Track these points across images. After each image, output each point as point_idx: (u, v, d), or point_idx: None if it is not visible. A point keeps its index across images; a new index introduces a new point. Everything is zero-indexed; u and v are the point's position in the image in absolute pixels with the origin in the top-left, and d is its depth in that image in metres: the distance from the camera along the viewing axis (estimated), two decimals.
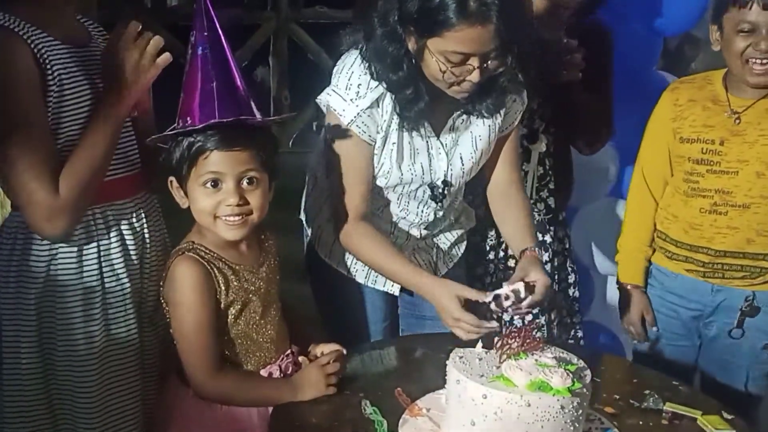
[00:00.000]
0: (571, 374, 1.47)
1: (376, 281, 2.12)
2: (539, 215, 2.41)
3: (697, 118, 2.10)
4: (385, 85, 1.85)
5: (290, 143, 6.89)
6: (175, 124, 1.64)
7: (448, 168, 1.99)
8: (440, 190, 2.01)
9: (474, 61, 1.76)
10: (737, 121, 2.05)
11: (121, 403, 1.75)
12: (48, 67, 1.59)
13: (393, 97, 1.86)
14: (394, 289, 2.12)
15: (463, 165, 2.00)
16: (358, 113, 1.86)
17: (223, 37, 1.64)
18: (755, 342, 2.12)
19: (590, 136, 2.47)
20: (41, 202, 1.59)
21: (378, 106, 1.87)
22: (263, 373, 1.73)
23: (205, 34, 1.62)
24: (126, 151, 1.77)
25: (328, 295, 2.20)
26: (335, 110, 1.88)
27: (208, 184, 1.63)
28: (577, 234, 2.76)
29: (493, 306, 1.82)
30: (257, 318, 1.72)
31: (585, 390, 1.48)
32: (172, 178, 1.68)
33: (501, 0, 1.72)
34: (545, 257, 2.43)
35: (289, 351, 1.80)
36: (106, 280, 1.71)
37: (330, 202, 2.01)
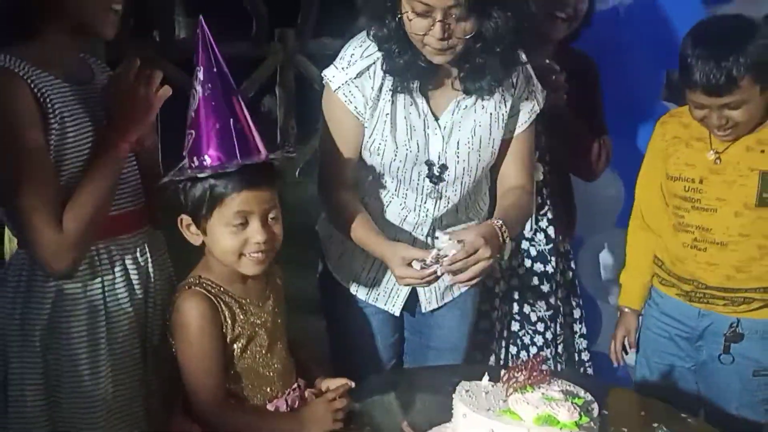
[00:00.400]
0: (578, 408, 1.47)
1: (377, 299, 2.13)
2: (539, 245, 2.42)
3: (681, 156, 2.13)
4: (375, 44, 1.88)
5: (297, 173, 6.91)
6: (186, 163, 1.64)
7: (443, 149, 1.97)
8: (437, 171, 1.98)
9: (437, 14, 1.76)
10: (717, 161, 2.06)
11: None
12: (49, 105, 1.60)
13: (383, 65, 1.89)
14: (395, 309, 2.13)
15: (458, 149, 1.97)
16: (345, 81, 1.90)
17: (228, 73, 1.65)
18: (744, 369, 2.11)
19: (586, 162, 2.47)
20: (47, 240, 1.60)
21: (368, 77, 1.90)
22: (270, 407, 1.73)
23: (214, 70, 1.62)
24: (130, 186, 1.76)
25: (335, 312, 2.21)
26: (326, 78, 1.93)
27: (235, 224, 1.63)
28: (584, 264, 2.76)
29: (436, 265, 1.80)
30: (263, 352, 1.72)
31: (593, 424, 1.48)
32: (184, 216, 1.68)
33: None
34: (547, 288, 2.44)
35: (295, 385, 1.79)
36: (110, 315, 1.71)
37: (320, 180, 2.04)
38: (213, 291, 1.67)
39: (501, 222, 1.87)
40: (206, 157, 1.61)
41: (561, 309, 2.48)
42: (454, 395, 1.56)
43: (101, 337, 1.70)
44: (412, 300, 2.15)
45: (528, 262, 2.43)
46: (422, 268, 1.77)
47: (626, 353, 2.36)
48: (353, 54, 1.91)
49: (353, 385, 1.76)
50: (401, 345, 2.26)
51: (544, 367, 1.58)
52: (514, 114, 2.01)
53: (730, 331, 2.10)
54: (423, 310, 2.16)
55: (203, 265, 1.71)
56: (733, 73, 1.89)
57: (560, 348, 2.46)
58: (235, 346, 1.68)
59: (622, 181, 2.79)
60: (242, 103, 1.67)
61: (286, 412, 1.73)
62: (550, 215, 2.43)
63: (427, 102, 1.95)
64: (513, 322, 2.45)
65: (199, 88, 1.62)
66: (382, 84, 1.90)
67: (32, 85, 1.58)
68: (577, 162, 2.47)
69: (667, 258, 2.20)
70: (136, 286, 1.75)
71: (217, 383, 1.65)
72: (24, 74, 1.58)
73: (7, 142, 1.57)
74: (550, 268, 2.43)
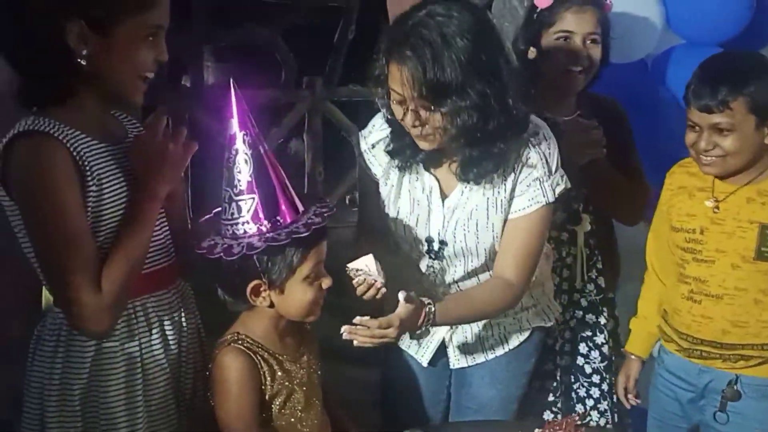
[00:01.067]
0: None
1: (410, 347, 2.13)
2: (590, 296, 2.40)
3: (683, 207, 2.12)
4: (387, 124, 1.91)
5: None
6: (259, 226, 1.61)
7: (443, 227, 1.96)
8: (436, 246, 1.97)
9: (408, 103, 1.76)
10: (716, 210, 2.04)
11: None
12: (87, 167, 1.60)
13: (387, 144, 1.93)
14: (423, 360, 2.12)
15: (455, 230, 1.95)
16: (365, 148, 1.98)
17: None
18: (743, 430, 2.05)
19: (628, 208, 2.46)
20: (85, 302, 1.59)
21: (381, 148, 1.95)
22: None
23: (255, 132, 1.63)
24: (161, 243, 1.76)
25: (385, 361, 2.21)
26: (357, 143, 2.00)
27: (314, 276, 1.67)
28: (621, 313, 2.72)
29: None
30: (300, 408, 1.73)
31: None
32: (257, 282, 1.65)
33: (421, 40, 1.69)
34: (600, 339, 2.41)
35: None
36: (147, 372, 1.72)
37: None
38: (252, 348, 1.68)
39: (434, 310, 1.80)
40: (278, 218, 1.62)
41: (613, 358, 2.44)
42: None
43: (138, 394, 1.69)
44: (440, 354, 2.13)
45: (579, 314, 2.42)
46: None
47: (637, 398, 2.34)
48: (374, 124, 1.97)
49: None
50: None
51: (579, 422, 1.57)
52: (513, 198, 1.93)
53: (728, 388, 2.04)
54: (451, 366, 2.14)
55: (241, 322, 1.72)
56: (727, 94, 1.90)
57: (616, 399, 2.42)
58: (274, 402, 1.69)
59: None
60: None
61: None
62: (599, 265, 2.42)
63: (437, 180, 1.95)
64: (565, 375, 2.42)
65: (249, 151, 1.60)
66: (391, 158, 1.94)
67: (71, 148, 1.59)
68: (619, 207, 2.45)
69: (669, 309, 2.18)
70: (171, 341, 1.76)
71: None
72: (62, 137, 1.58)
73: (46, 206, 1.57)
74: (602, 319, 2.42)
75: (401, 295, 1.72)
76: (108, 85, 1.64)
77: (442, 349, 2.13)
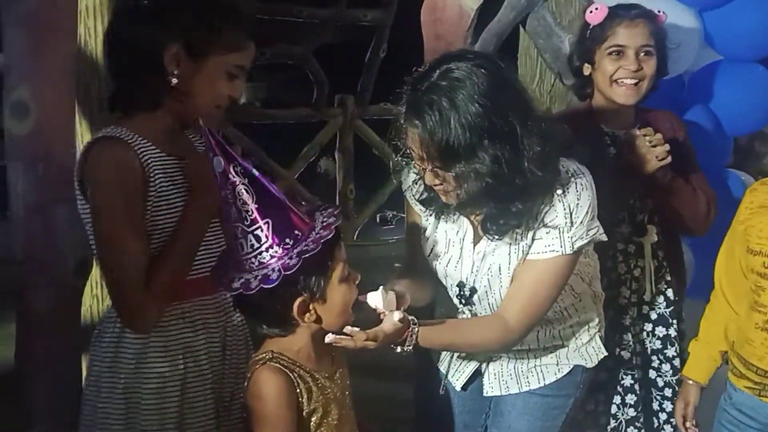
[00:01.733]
0: None
1: (447, 370, 2.10)
2: (660, 308, 2.38)
3: (764, 228, 1.95)
4: None
5: (355, 236, 6.96)
6: (280, 245, 1.59)
7: (471, 272, 1.94)
8: (466, 293, 1.96)
9: (422, 163, 1.76)
10: None
11: None
12: (150, 174, 1.73)
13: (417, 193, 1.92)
14: (457, 384, 2.09)
15: (480, 276, 1.93)
16: (406, 187, 1.96)
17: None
18: None
19: (694, 217, 2.39)
20: (130, 299, 1.71)
21: (415, 188, 1.94)
22: None
23: (240, 160, 1.62)
24: (212, 251, 1.81)
25: (423, 389, 2.20)
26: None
27: (345, 276, 1.67)
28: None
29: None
30: (335, 424, 1.71)
31: None
32: (301, 299, 1.63)
33: (429, 105, 1.67)
34: (671, 352, 2.38)
35: None
36: (188, 373, 1.79)
37: None
38: (288, 366, 1.67)
39: (418, 330, 1.75)
40: (297, 232, 1.60)
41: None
42: None
43: (176, 392, 1.77)
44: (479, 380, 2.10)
45: (649, 327, 2.39)
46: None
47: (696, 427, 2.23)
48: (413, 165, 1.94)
49: None
50: None
51: None
52: (534, 241, 1.86)
53: None
54: (485, 393, 2.09)
55: (274, 341, 1.71)
56: None
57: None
58: (310, 420, 1.67)
59: (691, 251, 2.74)
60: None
61: None
62: (668, 277, 2.39)
63: (472, 224, 1.92)
64: (640, 389, 2.38)
65: (245, 180, 1.59)
66: None
67: (140, 156, 1.73)
68: (685, 217, 2.38)
69: (739, 339, 2.03)
70: (214, 345, 1.83)
71: None
72: (134, 145, 1.73)
73: (107, 203, 1.71)
74: (672, 331, 2.38)
75: (397, 316, 1.71)
76: (186, 106, 1.79)
77: (478, 374, 2.09)
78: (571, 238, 1.82)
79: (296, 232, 1.60)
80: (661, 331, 2.38)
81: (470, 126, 1.66)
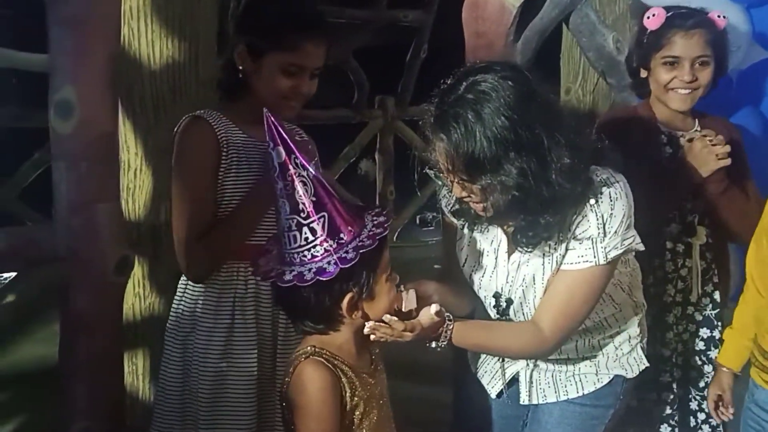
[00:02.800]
0: None
1: (483, 376, 2.09)
2: (705, 310, 2.38)
3: None
4: None
5: (395, 237, 6.95)
6: (338, 241, 1.58)
7: (506, 282, 1.91)
8: (502, 304, 1.93)
9: (451, 176, 1.74)
10: None
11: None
12: (225, 150, 2.01)
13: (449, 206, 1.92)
14: (492, 391, 2.07)
15: (515, 286, 1.90)
16: (441, 195, 1.97)
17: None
18: None
19: (746, 226, 2.32)
20: (184, 249, 2.02)
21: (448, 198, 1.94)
22: None
23: (300, 153, 1.61)
24: (272, 222, 1.93)
25: (461, 394, 2.19)
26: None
27: (389, 273, 1.69)
28: None
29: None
30: (376, 420, 1.70)
31: None
32: (349, 296, 1.63)
33: (454, 118, 1.67)
34: (715, 354, 2.37)
35: None
36: (235, 327, 2.03)
37: None
38: (331, 360, 1.65)
39: (453, 327, 1.77)
40: (350, 228, 1.60)
41: None
42: None
43: (221, 342, 2.02)
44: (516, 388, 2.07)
45: (693, 327, 2.39)
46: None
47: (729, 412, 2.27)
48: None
49: None
50: None
51: None
52: (567, 251, 1.84)
53: None
54: (521, 401, 2.06)
55: (316, 338, 1.69)
56: None
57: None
58: (354, 415, 1.66)
59: (738, 252, 2.68)
60: None
61: None
62: (715, 279, 2.39)
63: (506, 235, 1.90)
64: (679, 388, 2.38)
65: (303, 173, 1.60)
66: None
67: (218, 133, 2.01)
68: (738, 225, 2.36)
69: (760, 329, 2.06)
70: (265, 310, 2.04)
71: None
72: (215, 124, 2.02)
73: (181, 169, 2.05)
74: (717, 333, 2.37)
75: (434, 308, 1.73)
76: (257, 98, 2.03)
77: (514, 381, 2.06)
78: (605, 248, 1.79)
79: (350, 228, 1.59)
80: (705, 332, 2.38)
81: (496, 139, 1.65)
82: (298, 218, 1.59)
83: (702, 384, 2.39)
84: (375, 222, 1.63)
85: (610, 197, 1.79)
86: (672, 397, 2.34)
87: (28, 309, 2.56)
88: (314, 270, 1.56)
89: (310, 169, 1.60)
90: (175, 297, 2.15)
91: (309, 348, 1.67)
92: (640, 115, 2.37)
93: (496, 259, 1.91)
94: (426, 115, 1.75)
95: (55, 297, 2.39)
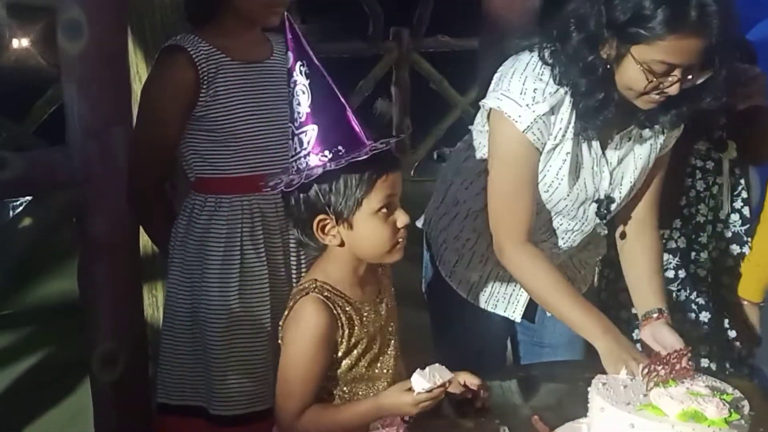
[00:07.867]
0: (727, 404, 1.37)
1: (496, 306, 2.06)
2: (735, 227, 2.34)
3: None
4: (570, 91, 1.77)
5: (412, 172, 6.91)
6: (320, 157, 1.54)
7: (610, 185, 1.90)
8: (605, 207, 1.91)
9: (677, 72, 1.68)
10: None
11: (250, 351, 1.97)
12: (205, 79, 1.88)
13: (572, 102, 1.78)
14: (515, 315, 2.06)
15: (621, 185, 1.90)
16: (534, 119, 1.76)
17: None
18: None
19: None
20: (131, 165, 2.03)
21: (555, 113, 1.78)
22: None
23: (315, 62, 1.55)
24: (270, 151, 1.95)
25: (444, 316, 2.15)
26: (510, 116, 1.77)
27: (384, 210, 1.57)
28: None
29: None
30: (377, 356, 1.66)
31: (743, 422, 1.37)
32: (323, 216, 1.57)
33: (719, 8, 1.66)
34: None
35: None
36: (245, 258, 1.95)
37: (471, 217, 1.98)
38: (332, 297, 1.60)
39: (666, 311, 1.87)
40: (340, 147, 1.53)
41: None
42: (590, 388, 1.49)
43: (234, 274, 1.94)
44: (531, 304, 2.05)
45: (722, 245, 2.35)
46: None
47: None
48: (536, 89, 1.77)
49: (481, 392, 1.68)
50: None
51: (687, 362, 1.48)
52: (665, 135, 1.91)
53: None
54: (544, 315, 2.06)
55: (320, 269, 1.64)
56: None
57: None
58: (351, 353, 1.62)
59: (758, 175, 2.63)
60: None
61: (364, 399, 1.64)
62: (744, 194, 2.35)
63: (599, 140, 1.86)
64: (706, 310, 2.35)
65: (306, 81, 1.54)
66: (569, 123, 1.80)
67: (197, 62, 1.88)
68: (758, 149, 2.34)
69: None
70: (274, 239, 1.98)
71: (310, 399, 1.59)
72: (193, 52, 1.88)
73: (145, 106, 1.96)
74: (746, 250, 2.34)
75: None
76: (241, 11, 1.91)
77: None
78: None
79: (338, 147, 1.53)
80: (735, 249, 2.34)
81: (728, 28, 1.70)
82: (293, 127, 1.55)
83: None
84: (381, 141, 1.56)
85: None
86: (710, 317, 2.31)
87: (45, 233, 2.55)
88: (303, 177, 1.53)
89: (324, 78, 1.54)
90: (174, 232, 2.04)
91: (309, 282, 1.61)
92: None
93: (593, 167, 1.87)
94: (654, 16, 1.66)
95: (71, 224, 2.39)
